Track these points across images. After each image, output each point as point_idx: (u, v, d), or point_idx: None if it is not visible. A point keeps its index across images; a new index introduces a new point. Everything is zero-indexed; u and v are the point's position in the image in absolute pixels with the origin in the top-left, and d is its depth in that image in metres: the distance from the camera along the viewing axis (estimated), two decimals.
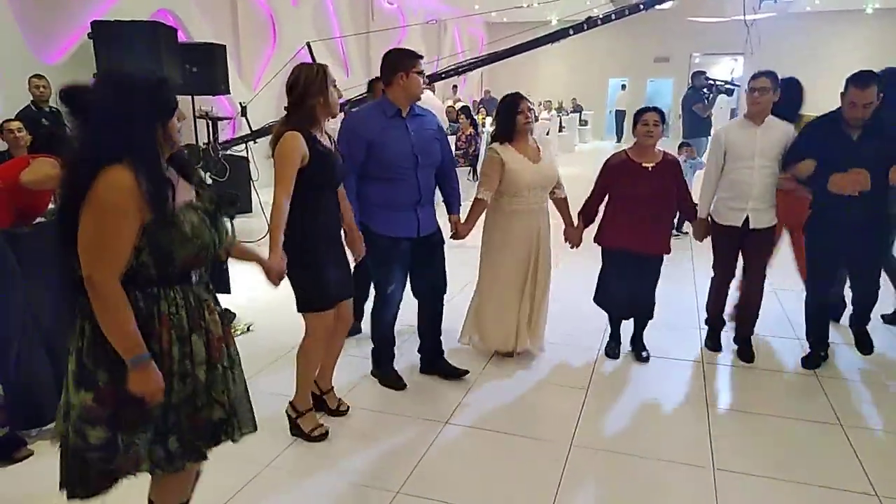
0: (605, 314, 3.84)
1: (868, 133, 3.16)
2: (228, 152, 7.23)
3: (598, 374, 3.54)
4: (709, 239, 3.71)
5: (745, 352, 3.72)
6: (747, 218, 3.47)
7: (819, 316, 3.59)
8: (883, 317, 4.17)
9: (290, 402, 2.89)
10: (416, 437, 2.90)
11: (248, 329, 4.00)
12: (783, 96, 3.85)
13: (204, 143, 6.79)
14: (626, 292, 3.63)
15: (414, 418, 3.07)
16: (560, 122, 16.35)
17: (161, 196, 1.55)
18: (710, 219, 3.65)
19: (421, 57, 3.08)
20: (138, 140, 1.55)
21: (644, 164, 3.44)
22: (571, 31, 7.07)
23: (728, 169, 3.53)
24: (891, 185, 3.11)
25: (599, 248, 3.66)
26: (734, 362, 3.70)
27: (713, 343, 3.87)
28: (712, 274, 3.80)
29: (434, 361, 3.47)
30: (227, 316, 1.92)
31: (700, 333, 4.06)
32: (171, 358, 1.64)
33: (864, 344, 3.68)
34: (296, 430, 2.86)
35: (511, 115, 3.39)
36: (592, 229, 3.68)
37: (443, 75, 7.49)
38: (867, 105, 3.07)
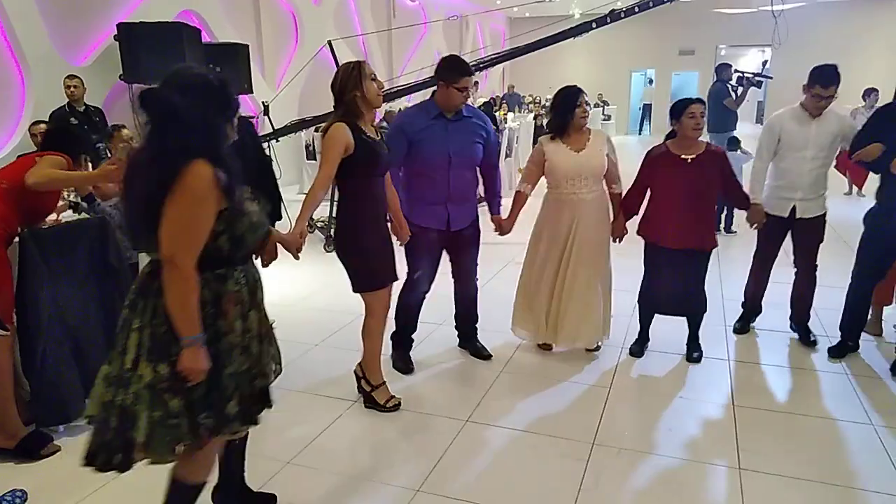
0: (636, 312, 3.79)
1: None
2: None
3: (621, 373, 3.50)
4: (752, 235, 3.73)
5: (805, 337, 3.77)
6: (794, 208, 3.50)
7: (859, 307, 3.55)
8: None
9: (365, 378, 3.15)
10: (436, 435, 2.89)
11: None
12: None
13: None
14: (671, 290, 3.55)
15: (436, 416, 3.06)
16: None
17: (233, 186, 1.73)
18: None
19: (468, 73, 3.18)
20: (214, 136, 1.74)
21: (683, 157, 3.38)
22: (594, 25, 6.97)
23: (780, 157, 3.55)
24: None
25: (637, 243, 3.60)
26: (760, 360, 3.63)
27: (741, 325, 3.94)
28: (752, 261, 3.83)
29: (467, 339, 3.80)
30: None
31: (726, 331, 3.99)
32: (234, 332, 1.81)
33: None
34: (370, 403, 3.13)
35: (569, 109, 3.40)
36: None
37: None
38: None
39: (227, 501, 2.29)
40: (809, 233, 3.58)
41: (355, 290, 2.99)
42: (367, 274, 2.94)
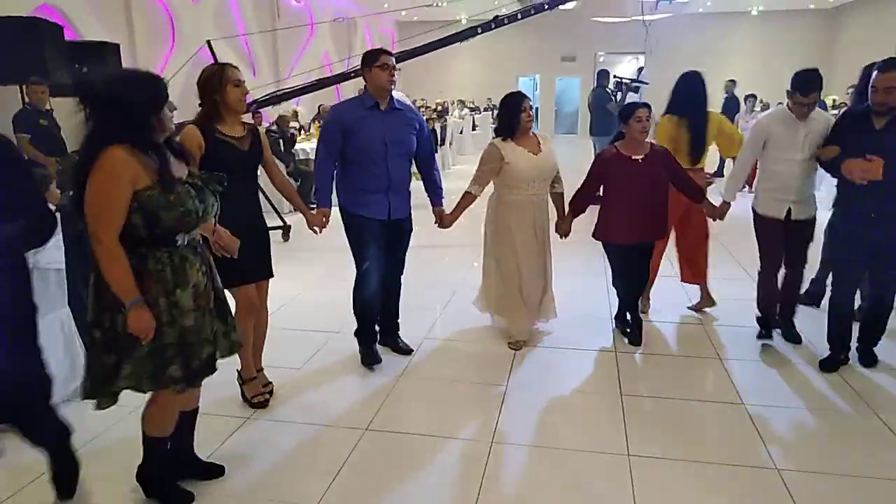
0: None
1: (893, 124, 3.05)
2: None
3: (515, 371, 3.58)
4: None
5: (790, 334, 3.83)
6: (790, 210, 3.50)
7: (841, 316, 3.45)
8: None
9: (238, 371, 3.18)
10: (336, 446, 2.82)
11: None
12: (685, 89, 4.04)
13: None
14: (634, 279, 3.87)
15: (335, 427, 2.99)
16: (473, 121, 16.51)
17: (158, 166, 1.99)
18: (752, 210, 3.67)
19: (386, 52, 3.35)
20: (136, 125, 1.96)
21: (634, 157, 3.59)
22: (480, 30, 7.13)
23: (772, 160, 3.53)
24: None
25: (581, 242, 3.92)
26: (642, 350, 3.83)
27: (767, 332, 3.83)
28: (759, 267, 3.74)
29: (387, 335, 3.79)
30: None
31: (612, 324, 4.18)
32: (158, 307, 2.04)
33: (866, 358, 3.52)
34: (244, 397, 3.18)
35: (515, 114, 3.56)
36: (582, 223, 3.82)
37: (352, 75, 7.37)
38: (889, 90, 2.99)
39: (177, 468, 2.47)
40: (803, 233, 3.57)
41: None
42: (225, 272, 2.83)
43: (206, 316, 2.17)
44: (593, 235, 3.79)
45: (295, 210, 3.30)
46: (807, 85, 3.33)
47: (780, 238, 3.60)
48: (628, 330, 3.92)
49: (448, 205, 3.71)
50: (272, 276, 3.13)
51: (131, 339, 2.01)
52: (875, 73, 3.05)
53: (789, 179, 3.46)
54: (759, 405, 3.14)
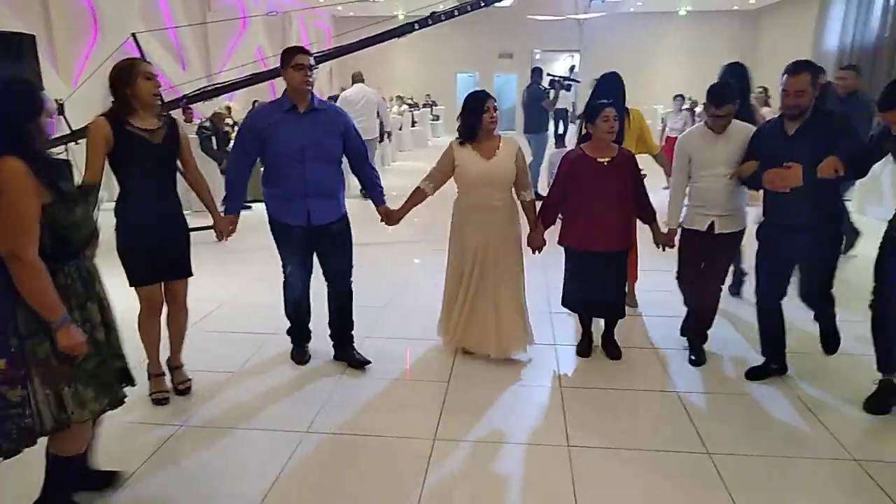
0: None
1: (805, 129, 3.01)
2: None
3: (457, 368, 3.58)
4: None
5: (698, 355, 3.62)
6: (712, 223, 3.40)
7: (774, 326, 3.36)
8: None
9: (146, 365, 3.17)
10: (276, 450, 2.75)
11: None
12: (604, 89, 4.08)
13: None
14: (592, 290, 3.56)
15: (271, 431, 2.92)
16: (413, 118, 16.47)
17: (52, 178, 1.90)
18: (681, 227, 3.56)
19: (302, 51, 3.20)
20: (22, 135, 1.87)
21: (599, 160, 3.40)
22: (417, 26, 7.08)
23: (694, 178, 3.45)
24: (832, 179, 2.81)
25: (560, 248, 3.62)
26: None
27: (697, 357, 3.61)
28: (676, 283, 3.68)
29: (342, 348, 3.64)
30: None
31: (551, 318, 4.24)
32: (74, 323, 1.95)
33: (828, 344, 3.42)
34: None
35: (476, 116, 3.33)
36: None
37: None
38: (799, 93, 2.95)
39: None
40: (724, 248, 3.49)
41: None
42: (129, 271, 2.96)
43: (112, 330, 2.16)
44: (558, 242, 3.60)
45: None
46: (719, 98, 3.26)
47: (699, 252, 3.50)
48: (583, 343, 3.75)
49: (395, 202, 3.58)
50: (188, 275, 3.12)
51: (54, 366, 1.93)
52: (784, 76, 3.00)
53: (713, 195, 3.37)
54: (686, 392, 3.26)
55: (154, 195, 2.90)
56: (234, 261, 5.63)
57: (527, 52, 20.53)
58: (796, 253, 3.18)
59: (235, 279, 5.07)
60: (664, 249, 3.61)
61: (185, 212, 3.09)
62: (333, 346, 3.65)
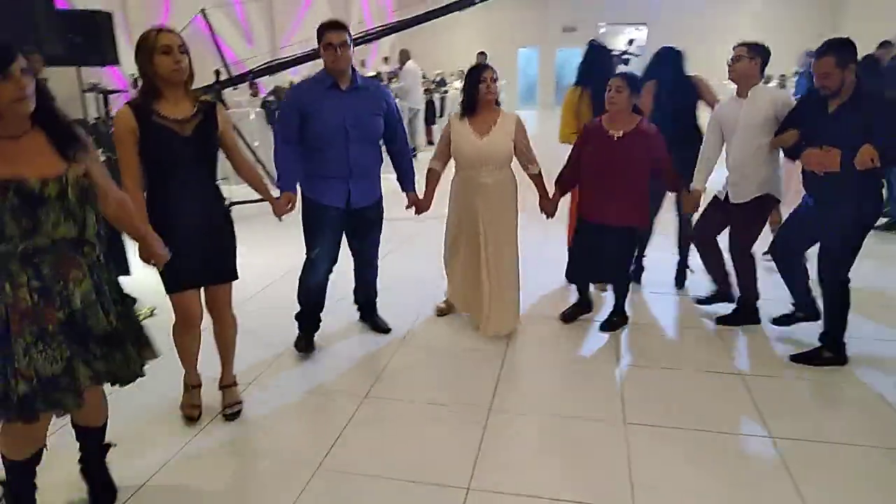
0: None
1: (844, 108, 2.94)
2: None
3: (513, 341, 3.60)
4: None
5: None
6: (727, 192, 3.47)
7: (785, 274, 3.46)
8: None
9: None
10: (338, 412, 2.85)
11: (151, 313, 3.78)
12: (589, 59, 4.16)
13: (94, 118, 6.31)
14: (597, 265, 3.62)
15: (336, 392, 3.03)
16: None
17: None
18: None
19: (332, 27, 3.00)
20: None
21: (611, 133, 3.38)
22: (478, 0, 7.00)
23: (726, 146, 3.52)
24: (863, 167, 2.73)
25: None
26: (637, 321, 3.83)
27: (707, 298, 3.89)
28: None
29: (367, 313, 3.77)
30: (128, 301, 2.07)
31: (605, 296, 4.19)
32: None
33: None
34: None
35: (473, 85, 3.37)
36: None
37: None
38: (824, 74, 2.91)
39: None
40: (738, 218, 3.49)
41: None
42: (161, 277, 2.54)
43: (18, 345, 1.74)
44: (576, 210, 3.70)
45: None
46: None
47: (716, 215, 3.59)
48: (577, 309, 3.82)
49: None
50: (232, 278, 2.73)
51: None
52: (812, 59, 3.00)
53: (731, 160, 3.45)
54: (758, 376, 3.17)
55: (186, 193, 2.48)
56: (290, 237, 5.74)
57: (591, 26, 19.96)
58: (821, 225, 3.14)
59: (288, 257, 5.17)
60: (689, 213, 3.72)
61: (231, 186, 2.92)
62: (358, 310, 3.79)
